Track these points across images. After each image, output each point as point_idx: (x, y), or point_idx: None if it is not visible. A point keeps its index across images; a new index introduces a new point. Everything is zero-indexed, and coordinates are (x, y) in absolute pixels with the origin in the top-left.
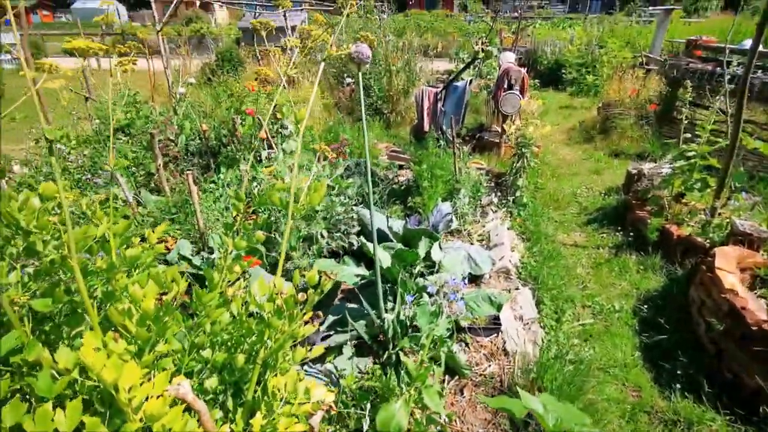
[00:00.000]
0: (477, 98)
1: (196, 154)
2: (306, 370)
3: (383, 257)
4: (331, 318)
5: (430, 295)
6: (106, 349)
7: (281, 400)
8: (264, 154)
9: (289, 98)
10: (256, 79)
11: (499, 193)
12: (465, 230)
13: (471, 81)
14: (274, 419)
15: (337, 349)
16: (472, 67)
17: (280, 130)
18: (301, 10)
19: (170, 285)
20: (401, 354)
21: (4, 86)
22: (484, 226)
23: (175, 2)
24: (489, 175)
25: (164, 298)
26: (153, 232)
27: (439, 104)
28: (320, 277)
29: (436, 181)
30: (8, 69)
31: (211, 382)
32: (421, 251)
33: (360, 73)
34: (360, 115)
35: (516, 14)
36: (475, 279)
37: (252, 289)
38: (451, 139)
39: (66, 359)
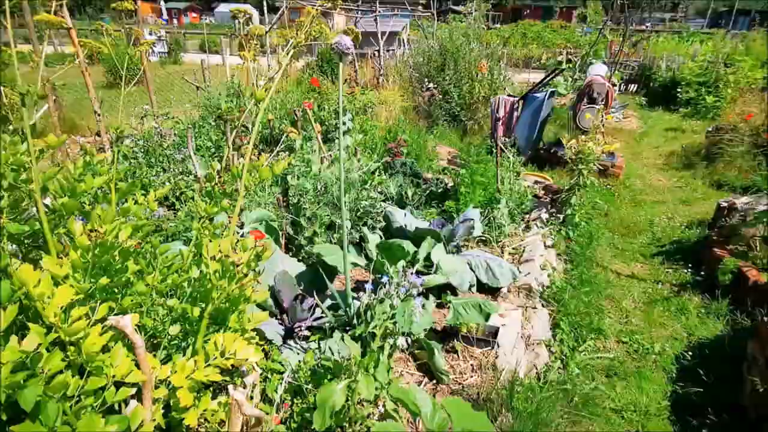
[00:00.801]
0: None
1: (263, 142)
2: (289, 345)
3: (375, 250)
4: (328, 302)
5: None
6: (46, 271)
7: (220, 353)
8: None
9: (371, 99)
10: (345, 81)
11: (553, 210)
12: (500, 241)
13: (553, 93)
14: (199, 366)
15: (325, 332)
16: (569, 79)
17: (338, 125)
18: (407, 15)
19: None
20: (347, 339)
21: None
22: (522, 240)
23: (281, 10)
24: (547, 190)
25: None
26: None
27: (515, 114)
28: (257, 246)
29: (475, 188)
30: (155, 61)
31: (174, 329)
32: (422, 251)
33: (341, 64)
34: (437, 120)
35: (643, 27)
36: (492, 291)
37: (204, 250)
38: (503, 147)
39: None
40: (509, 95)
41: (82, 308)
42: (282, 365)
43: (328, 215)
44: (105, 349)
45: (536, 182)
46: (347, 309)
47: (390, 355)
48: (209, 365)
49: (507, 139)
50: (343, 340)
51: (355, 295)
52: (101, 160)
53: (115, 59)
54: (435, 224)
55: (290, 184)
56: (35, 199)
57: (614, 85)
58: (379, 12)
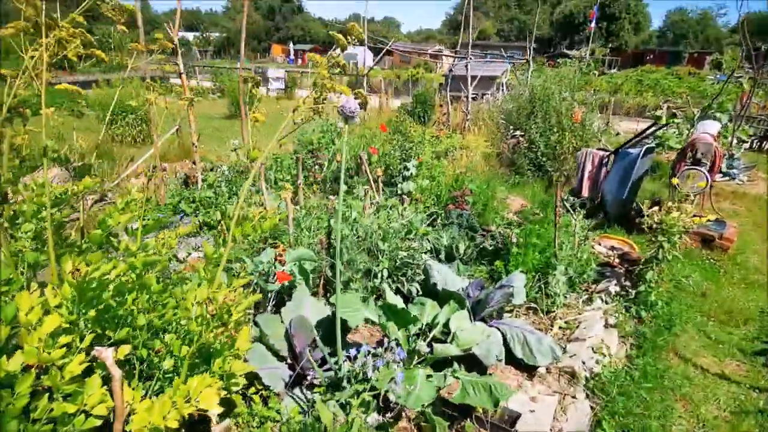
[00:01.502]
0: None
1: (333, 180)
2: (293, 393)
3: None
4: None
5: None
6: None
7: (185, 400)
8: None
9: (454, 143)
10: (433, 124)
11: (627, 283)
12: (551, 312)
13: (651, 149)
14: (174, 403)
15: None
16: (684, 133)
17: (402, 170)
18: (506, 61)
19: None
20: (318, 404)
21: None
22: (580, 314)
23: (382, 53)
24: (623, 258)
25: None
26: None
27: (604, 170)
28: (227, 299)
29: (528, 249)
30: (272, 96)
31: (168, 363)
32: (441, 316)
33: (346, 128)
34: (521, 170)
35: None
36: (528, 369)
37: (189, 295)
38: (568, 207)
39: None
40: (600, 148)
41: (67, 336)
42: (279, 413)
43: (364, 262)
44: (88, 376)
45: (613, 248)
46: (337, 370)
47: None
48: (173, 410)
49: (592, 195)
50: (324, 402)
51: (349, 354)
52: (134, 199)
53: (234, 94)
54: (474, 285)
55: (332, 227)
56: (48, 233)
57: (741, 141)
58: (470, 58)
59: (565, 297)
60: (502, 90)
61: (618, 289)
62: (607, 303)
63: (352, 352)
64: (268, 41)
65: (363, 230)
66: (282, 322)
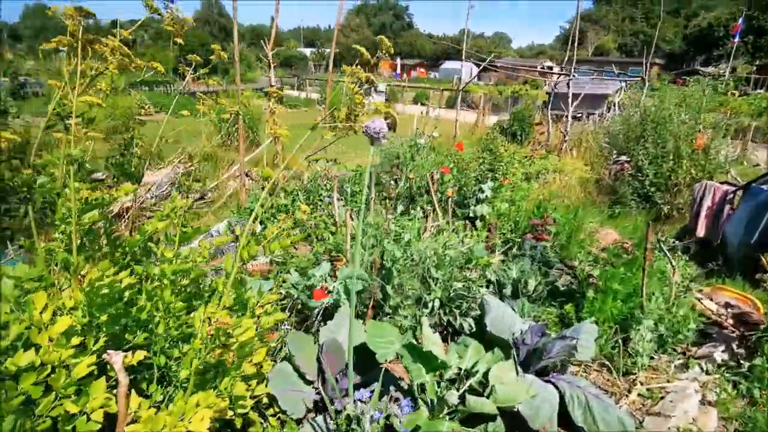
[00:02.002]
0: None
1: (408, 197)
2: (314, 421)
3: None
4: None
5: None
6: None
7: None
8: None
9: (547, 165)
10: (528, 144)
11: (740, 350)
12: (631, 374)
13: None
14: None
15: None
16: None
17: (476, 192)
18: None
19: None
20: None
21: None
22: (669, 381)
23: (480, 69)
24: (738, 319)
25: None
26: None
27: (727, 207)
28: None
29: (607, 296)
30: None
31: (184, 373)
32: (481, 364)
33: (373, 149)
34: (622, 199)
35: None
36: None
37: (198, 312)
38: (664, 250)
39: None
40: (726, 182)
41: (78, 338)
42: None
43: (414, 289)
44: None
45: (728, 305)
46: (341, 410)
47: None
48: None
49: (711, 235)
50: None
51: (361, 397)
52: (174, 207)
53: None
54: (534, 331)
55: (385, 248)
56: (73, 236)
57: None
58: (574, 75)
59: (651, 358)
60: (614, 110)
61: (726, 357)
62: (707, 373)
63: (363, 394)
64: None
65: (417, 254)
66: (316, 342)
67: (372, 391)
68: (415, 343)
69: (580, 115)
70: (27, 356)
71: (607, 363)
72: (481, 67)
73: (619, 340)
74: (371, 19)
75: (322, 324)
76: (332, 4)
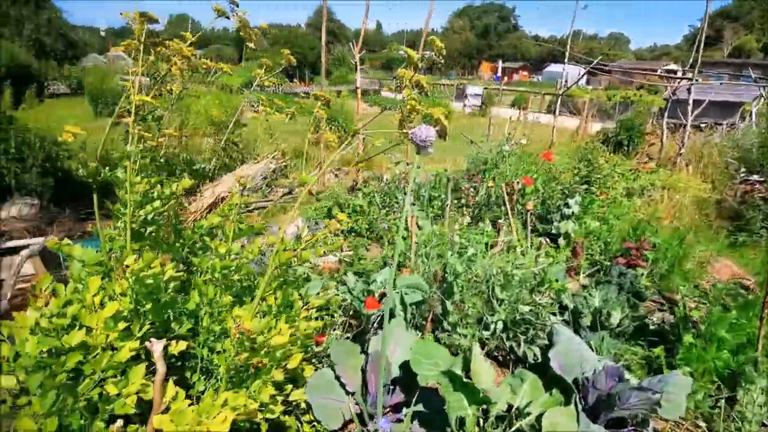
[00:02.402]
0: None
1: (483, 206)
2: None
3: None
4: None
5: None
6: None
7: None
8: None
9: (654, 180)
10: (636, 155)
11: None
12: None
13: None
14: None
15: None
16: None
17: (562, 207)
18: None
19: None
20: None
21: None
22: None
23: (583, 72)
24: None
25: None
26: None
27: None
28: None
29: (711, 344)
30: (467, 113)
31: (222, 369)
32: (534, 407)
33: (417, 159)
34: (748, 226)
35: None
36: None
37: (229, 318)
38: None
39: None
40: None
41: (123, 323)
42: None
43: (475, 308)
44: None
45: None
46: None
47: None
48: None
49: None
50: None
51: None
52: (231, 205)
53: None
54: (609, 373)
55: (447, 260)
56: (126, 227)
57: None
58: (696, 80)
59: (763, 425)
60: (750, 120)
61: None
62: None
63: (384, 426)
64: (478, 59)
65: (482, 271)
66: (362, 353)
67: (399, 419)
68: (457, 372)
69: (704, 125)
70: (78, 335)
71: (703, 426)
72: (585, 71)
73: (722, 400)
74: (474, 21)
75: (376, 332)
76: (438, 5)
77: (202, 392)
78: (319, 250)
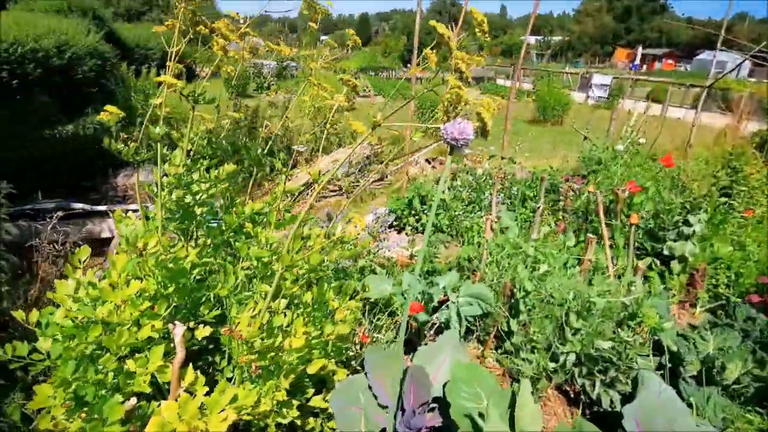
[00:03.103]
0: None
1: (581, 212)
2: None
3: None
4: None
5: None
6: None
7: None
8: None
9: None
10: None
11: None
12: None
13: None
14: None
15: None
16: None
17: (680, 224)
18: None
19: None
20: None
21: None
22: None
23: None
24: None
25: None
26: None
27: None
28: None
29: None
30: (591, 104)
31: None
32: None
33: (449, 160)
34: None
35: None
36: None
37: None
38: None
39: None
40: None
41: (147, 302)
42: None
43: (542, 334)
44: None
45: None
46: None
47: None
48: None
49: None
50: None
51: None
52: (275, 194)
53: (544, 99)
54: None
55: (518, 274)
56: (157, 210)
57: None
58: None
59: None
60: None
61: None
62: None
63: None
64: (613, 44)
65: (557, 293)
66: (407, 362)
67: None
68: (480, 421)
69: None
70: (104, 309)
71: None
72: (743, 59)
73: None
74: (614, 2)
75: (431, 340)
76: None
77: (230, 379)
78: (333, 254)
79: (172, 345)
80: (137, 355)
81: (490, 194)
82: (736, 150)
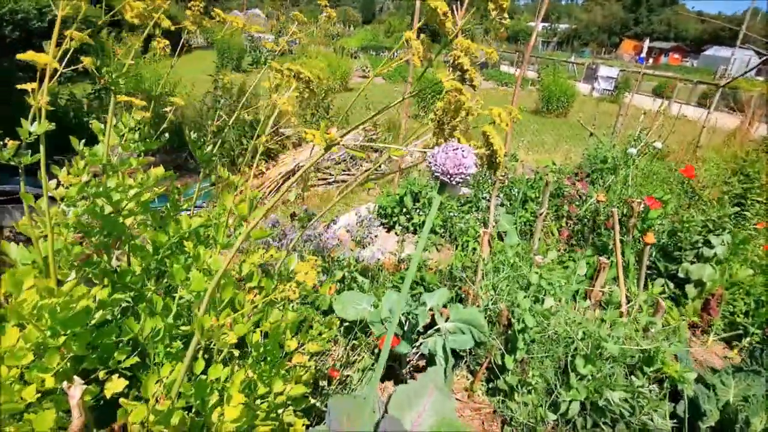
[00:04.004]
0: None
1: (586, 220)
2: None
3: None
4: None
5: None
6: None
7: None
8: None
9: None
10: None
11: None
12: None
13: None
14: None
15: None
16: None
17: (699, 244)
18: None
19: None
20: None
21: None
22: None
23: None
24: None
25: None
26: None
27: None
28: None
29: None
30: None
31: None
32: None
33: (437, 201)
34: None
35: None
36: None
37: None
38: None
39: None
40: None
41: (29, 355)
42: None
43: (542, 377)
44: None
45: None
46: None
47: None
48: None
49: None
50: None
51: None
52: (225, 208)
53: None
54: None
55: (517, 301)
56: (48, 228)
57: None
58: None
59: None
60: None
61: None
62: None
63: None
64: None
65: (562, 329)
66: (374, 411)
67: None
68: None
69: None
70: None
71: None
72: (762, 59)
73: None
74: None
75: (412, 376)
76: None
77: None
78: (272, 316)
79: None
80: (19, 423)
81: (489, 194)
82: (749, 156)
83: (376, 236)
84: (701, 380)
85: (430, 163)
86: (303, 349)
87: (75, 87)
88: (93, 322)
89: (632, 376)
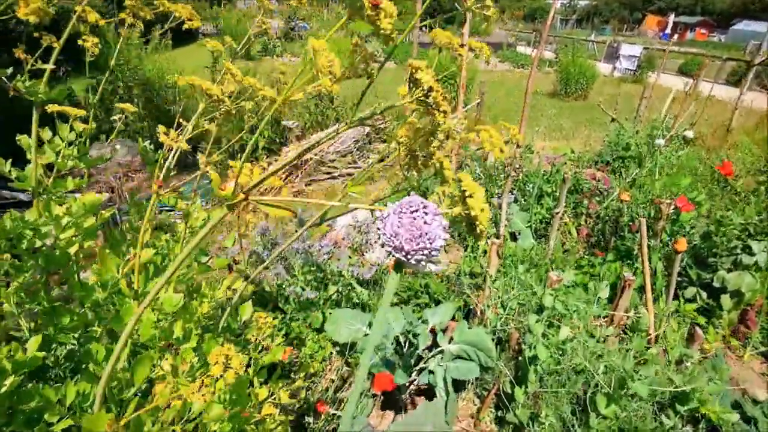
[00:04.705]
0: None
1: (607, 222)
2: None
3: None
4: None
5: None
6: None
7: None
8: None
9: None
10: None
11: None
12: None
13: None
14: None
15: None
16: None
17: (739, 250)
18: None
19: None
20: None
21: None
22: None
23: None
24: None
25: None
26: None
27: None
28: None
29: None
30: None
31: None
32: None
33: (395, 279)
34: None
35: None
36: None
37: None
38: None
39: None
40: None
41: None
42: None
43: (558, 411)
44: None
45: None
46: None
47: None
48: None
49: None
50: None
51: None
52: (178, 238)
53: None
54: None
55: (530, 326)
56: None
57: None
58: None
59: None
60: None
61: None
62: None
63: None
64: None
65: (580, 362)
66: None
67: None
68: None
69: None
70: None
71: None
72: None
73: None
74: None
75: (409, 402)
76: None
77: None
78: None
79: None
80: None
81: (501, 189)
82: None
83: (367, 250)
84: (738, 406)
85: (381, 233)
86: (274, 399)
87: (75, 82)
88: (3, 390)
89: (662, 415)
